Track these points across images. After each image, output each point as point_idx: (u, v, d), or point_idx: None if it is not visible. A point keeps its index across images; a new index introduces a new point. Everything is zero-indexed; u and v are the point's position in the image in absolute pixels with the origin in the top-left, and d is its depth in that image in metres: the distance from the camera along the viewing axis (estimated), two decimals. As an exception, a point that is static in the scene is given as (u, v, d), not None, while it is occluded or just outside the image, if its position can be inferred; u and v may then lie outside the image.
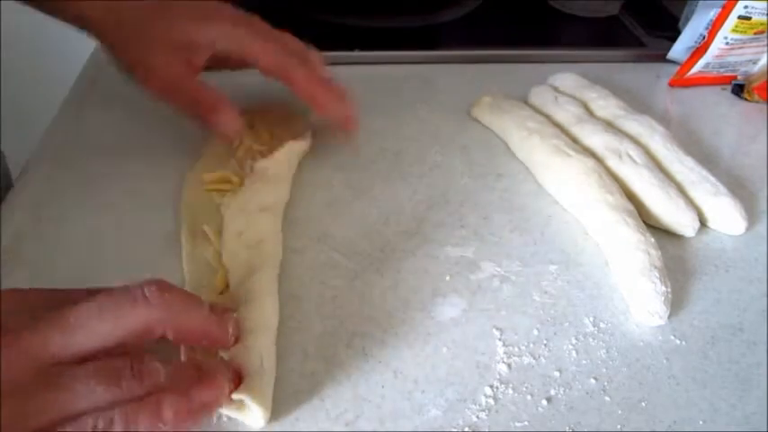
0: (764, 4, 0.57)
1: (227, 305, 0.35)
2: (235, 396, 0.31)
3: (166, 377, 0.28)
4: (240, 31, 0.44)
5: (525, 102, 0.58)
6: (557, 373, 0.36)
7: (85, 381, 0.26)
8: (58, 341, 0.26)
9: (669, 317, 0.39)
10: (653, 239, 0.42)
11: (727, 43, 0.60)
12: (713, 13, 0.61)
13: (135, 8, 0.45)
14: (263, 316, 0.36)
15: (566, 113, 0.54)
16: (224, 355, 0.34)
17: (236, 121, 0.45)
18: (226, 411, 0.33)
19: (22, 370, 0.25)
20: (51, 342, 0.26)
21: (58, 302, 0.28)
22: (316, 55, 0.48)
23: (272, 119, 0.52)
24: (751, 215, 0.47)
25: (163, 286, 0.29)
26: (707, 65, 0.62)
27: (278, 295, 0.38)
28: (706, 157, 0.52)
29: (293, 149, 0.48)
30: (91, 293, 0.28)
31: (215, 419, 0.33)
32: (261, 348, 0.34)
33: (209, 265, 0.40)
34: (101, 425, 0.26)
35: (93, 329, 0.27)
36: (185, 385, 0.28)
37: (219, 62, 0.45)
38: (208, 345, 0.31)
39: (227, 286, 0.38)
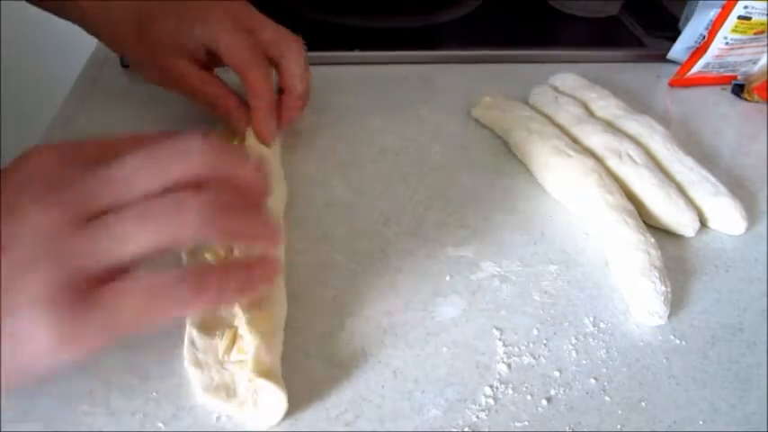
0: (764, 4, 0.57)
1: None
2: (261, 381, 0.32)
3: (223, 209, 0.28)
4: (220, 24, 0.46)
5: (525, 102, 0.58)
6: (557, 373, 0.36)
7: (130, 225, 0.26)
8: (105, 195, 0.27)
9: (669, 317, 0.39)
10: (653, 239, 0.42)
11: (727, 43, 0.60)
12: (713, 13, 0.61)
13: (132, 9, 0.47)
14: (277, 317, 0.36)
15: (566, 114, 0.54)
16: (243, 356, 0.34)
17: (242, 111, 0.47)
18: (238, 412, 0.33)
19: (69, 225, 0.26)
20: (100, 196, 0.26)
21: (111, 153, 0.28)
22: (295, 48, 0.48)
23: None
24: (751, 215, 0.47)
25: (210, 140, 0.29)
26: (707, 65, 0.62)
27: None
28: (706, 157, 0.52)
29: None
30: (140, 141, 0.29)
31: (215, 419, 0.33)
32: (276, 348, 0.34)
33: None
34: (170, 279, 0.27)
35: (138, 183, 0.27)
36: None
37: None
38: (249, 195, 0.30)
39: None
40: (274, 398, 0.32)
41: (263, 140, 0.47)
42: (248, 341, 0.34)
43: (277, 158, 0.48)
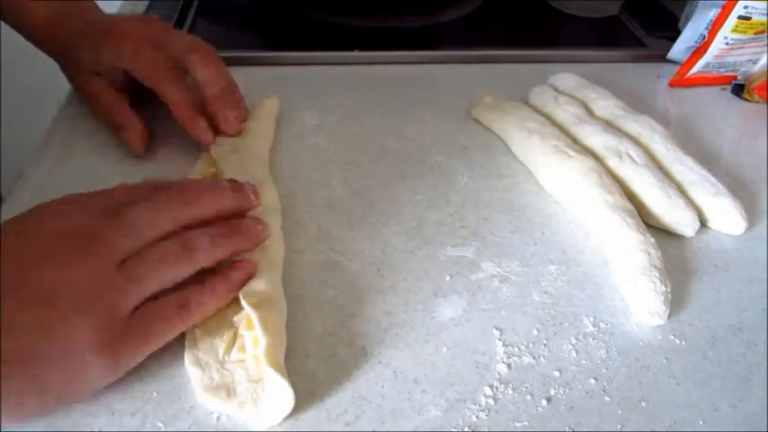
0: (764, 4, 0.57)
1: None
2: (274, 375, 0.33)
3: (220, 238, 0.36)
4: (124, 48, 0.49)
5: (525, 102, 0.58)
6: (557, 373, 0.36)
7: (151, 267, 0.33)
8: (128, 243, 0.33)
9: (669, 317, 0.39)
10: (653, 239, 0.42)
11: (727, 43, 0.60)
12: (713, 13, 0.61)
13: (61, 40, 0.52)
14: (281, 319, 0.36)
15: (566, 114, 0.54)
16: (243, 356, 0.34)
17: (143, 136, 0.50)
18: (238, 412, 0.33)
19: (105, 274, 0.32)
20: (123, 244, 0.33)
21: (123, 200, 0.36)
22: (197, 58, 0.49)
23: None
24: (751, 215, 0.47)
25: (201, 184, 0.40)
26: (707, 65, 0.62)
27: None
28: (706, 157, 0.52)
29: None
30: (145, 193, 0.37)
31: (215, 419, 0.33)
32: (280, 348, 0.34)
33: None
34: (180, 302, 0.34)
35: (151, 231, 0.34)
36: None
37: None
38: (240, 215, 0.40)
39: None
40: (283, 393, 0.32)
41: (202, 143, 0.48)
42: (261, 336, 0.34)
43: (262, 160, 0.49)
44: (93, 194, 0.36)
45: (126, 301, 0.32)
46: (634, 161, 0.48)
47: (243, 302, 0.35)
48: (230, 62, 0.51)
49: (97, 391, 0.33)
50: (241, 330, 0.35)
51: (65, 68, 0.54)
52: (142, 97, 0.51)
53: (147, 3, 0.72)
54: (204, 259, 0.35)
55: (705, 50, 0.61)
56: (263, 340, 0.34)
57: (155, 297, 0.34)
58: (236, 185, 0.40)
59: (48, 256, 0.31)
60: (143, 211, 0.35)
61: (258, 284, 0.36)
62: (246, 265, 0.37)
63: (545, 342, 0.38)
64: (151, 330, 0.33)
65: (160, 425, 0.33)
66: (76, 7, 0.54)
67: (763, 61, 0.63)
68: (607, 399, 0.35)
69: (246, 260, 0.37)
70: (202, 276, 0.36)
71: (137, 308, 0.33)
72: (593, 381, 0.36)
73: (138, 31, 0.50)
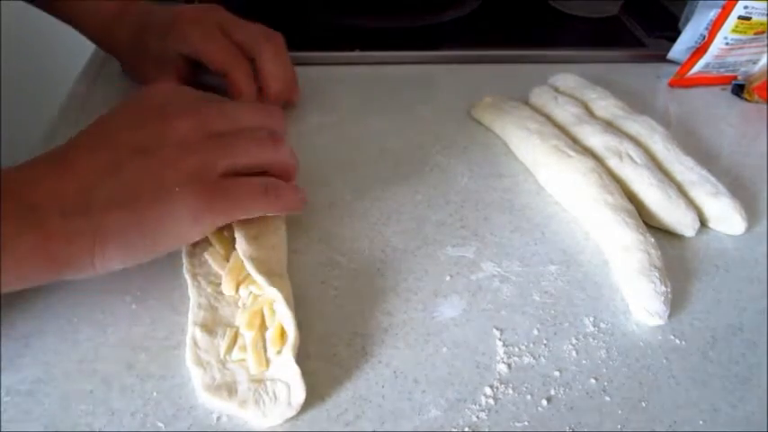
0: (764, 4, 0.57)
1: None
2: (295, 369, 0.33)
3: (290, 151, 0.40)
4: (194, 34, 0.50)
5: (525, 102, 0.58)
6: (557, 373, 0.36)
7: (243, 142, 0.37)
8: (222, 122, 0.38)
9: (669, 317, 0.39)
10: (653, 239, 0.43)
11: (727, 43, 0.60)
12: (713, 14, 0.61)
13: (126, 31, 0.53)
14: (287, 321, 0.36)
15: (566, 114, 0.54)
16: (243, 356, 0.35)
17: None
18: (239, 411, 0.33)
19: (202, 134, 0.36)
20: (218, 122, 0.37)
21: (216, 98, 0.40)
22: (269, 47, 0.51)
23: None
24: (751, 215, 0.47)
25: (277, 107, 0.44)
26: (707, 65, 0.62)
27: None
28: (706, 157, 0.52)
29: None
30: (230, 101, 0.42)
31: (215, 419, 0.33)
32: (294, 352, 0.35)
33: (210, 266, 0.40)
34: (266, 183, 0.38)
35: (243, 118, 0.39)
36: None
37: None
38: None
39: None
40: (297, 393, 0.33)
41: None
42: (291, 330, 0.35)
43: None
44: (194, 89, 0.40)
45: (218, 160, 0.36)
46: (634, 161, 0.48)
47: (269, 288, 0.35)
48: (230, 62, 0.51)
49: (185, 243, 0.38)
50: (243, 330, 0.36)
51: (128, 65, 0.55)
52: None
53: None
54: (286, 154, 0.39)
55: (705, 50, 0.61)
56: (292, 335, 0.34)
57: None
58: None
59: (150, 116, 0.36)
60: (238, 104, 0.40)
61: (275, 282, 0.36)
62: (303, 195, 0.41)
63: (545, 342, 0.38)
64: (238, 198, 0.36)
65: (160, 425, 0.33)
66: (139, 2, 0.54)
67: (763, 61, 0.63)
68: (607, 399, 0.35)
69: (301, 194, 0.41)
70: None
71: (228, 178, 0.36)
72: (593, 381, 0.36)
73: (205, 17, 0.51)
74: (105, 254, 0.33)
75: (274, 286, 0.36)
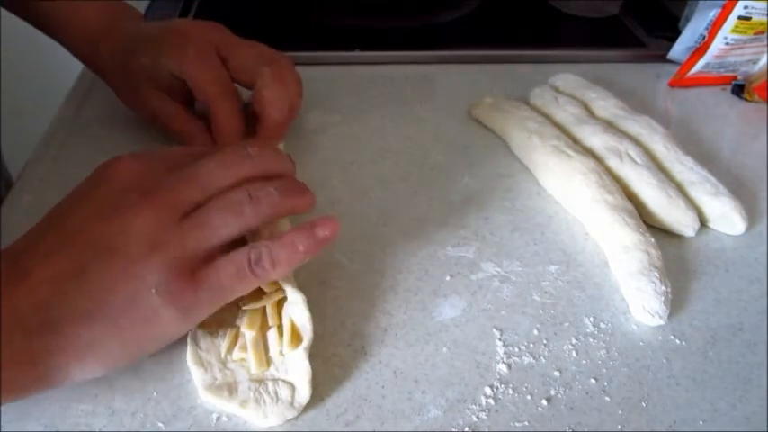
0: (764, 4, 0.57)
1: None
2: (306, 365, 0.34)
3: (281, 193, 0.35)
4: (186, 55, 0.45)
5: (525, 102, 0.58)
6: (557, 373, 0.36)
7: (216, 215, 0.32)
8: (192, 194, 0.33)
9: (669, 317, 0.39)
10: (653, 239, 0.43)
11: (727, 43, 0.60)
12: (713, 14, 0.61)
13: (114, 44, 0.49)
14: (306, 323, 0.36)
15: (566, 114, 0.54)
16: (244, 355, 0.35)
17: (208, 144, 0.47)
18: (239, 411, 0.33)
19: (170, 221, 0.32)
20: (188, 195, 0.33)
21: (184, 159, 0.35)
22: (269, 72, 0.46)
23: None
24: (751, 215, 0.47)
25: (260, 145, 0.37)
26: (707, 65, 0.62)
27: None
28: (706, 157, 0.52)
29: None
30: (205, 152, 0.36)
31: (215, 419, 0.33)
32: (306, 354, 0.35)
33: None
34: (252, 256, 0.32)
35: (215, 180, 0.34)
36: (297, 201, 0.36)
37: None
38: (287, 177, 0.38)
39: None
40: (303, 393, 0.33)
41: None
42: (307, 328, 0.35)
43: None
44: (154, 153, 0.36)
45: (193, 248, 0.32)
46: (634, 161, 0.48)
47: (291, 290, 0.35)
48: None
49: (169, 342, 0.33)
50: (243, 330, 0.35)
51: (118, 87, 0.50)
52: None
53: (147, 3, 0.72)
54: (271, 210, 0.34)
55: (705, 51, 0.61)
56: (308, 337, 0.34)
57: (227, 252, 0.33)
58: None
59: (111, 208, 0.32)
60: (207, 164, 0.34)
61: (282, 282, 0.37)
62: (332, 223, 0.34)
63: (545, 342, 0.38)
64: (223, 283, 0.32)
65: (160, 425, 0.33)
66: (128, 15, 0.52)
67: (763, 61, 0.63)
68: (607, 399, 0.35)
69: (332, 216, 0.35)
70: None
71: (208, 261, 0.32)
72: (593, 381, 0.36)
73: (201, 36, 0.47)
74: (84, 368, 0.30)
75: (285, 286, 0.36)
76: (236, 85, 0.47)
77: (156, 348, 0.32)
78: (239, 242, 0.34)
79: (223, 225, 0.33)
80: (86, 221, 0.31)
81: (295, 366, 0.34)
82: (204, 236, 0.32)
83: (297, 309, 0.35)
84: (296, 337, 0.35)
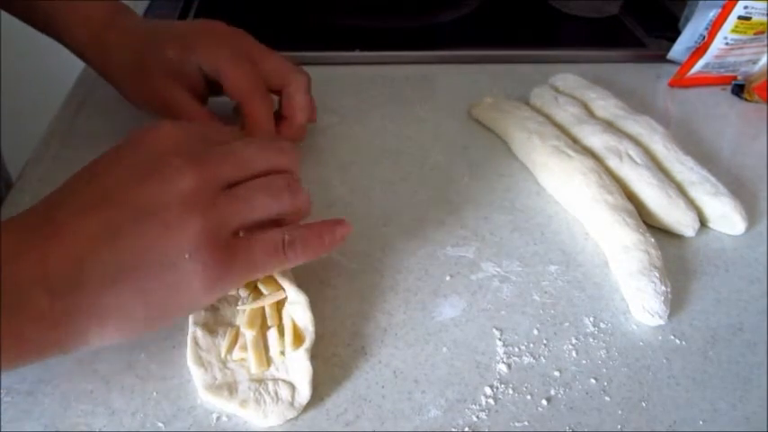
0: (764, 4, 0.57)
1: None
2: (308, 365, 0.34)
3: (307, 197, 0.36)
4: (221, 53, 0.46)
5: (525, 102, 0.58)
6: (557, 373, 0.36)
7: (258, 194, 0.33)
8: (232, 171, 0.33)
9: (669, 317, 0.39)
10: (653, 239, 0.43)
11: (726, 43, 0.60)
12: (713, 14, 0.61)
13: (129, 45, 0.48)
14: (308, 324, 0.36)
15: (566, 114, 0.54)
16: (244, 355, 0.35)
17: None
18: (239, 411, 0.33)
19: (210, 190, 0.31)
20: (228, 171, 0.33)
21: (223, 137, 0.35)
22: (301, 78, 0.48)
23: None
24: (751, 215, 0.47)
25: (290, 144, 0.38)
26: (707, 65, 0.62)
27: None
28: (706, 157, 0.52)
29: None
30: (241, 136, 0.36)
31: (215, 419, 0.33)
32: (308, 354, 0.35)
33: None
34: (287, 237, 0.33)
35: (255, 162, 0.34)
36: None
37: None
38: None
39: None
40: (303, 393, 0.33)
41: None
42: (310, 329, 0.35)
43: None
44: (194, 125, 0.35)
45: (229, 219, 0.32)
46: (634, 161, 0.48)
47: (294, 291, 0.36)
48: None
49: (195, 311, 0.33)
50: (243, 329, 0.35)
51: (128, 81, 0.49)
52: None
53: (147, 3, 0.72)
54: (302, 202, 0.36)
55: (705, 51, 0.61)
56: (310, 338, 0.35)
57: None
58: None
59: (152, 170, 0.31)
60: (249, 146, 0.34)
61: (284, 283, 0.37)
62: (346, 224, 0.36)
63: (545, 342, 0.38)
64: (254, 257, 0.32)
65: (160, 425, 0.33)
66: (129, 12, 0.51)
67: (763, 61, 0.63)
68: (607, 399, 0.35)
69: (344, 219, 0.37)
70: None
71: (239, 236, 0.32)
72: (593, 381, 0.36)
73: (236, 39, 0.48)
74: (104, 333, 0.30)
75: (288, 287, 0.36)
76: None
77: (179, 316, 0.32)
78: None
79: (262, 205, 0.33)
80: (126, 181, 0.31)
81: (296, 367, 0.34)
82: (243, 210, 0.32)
83: (299, 309, 0.36)
84: (297, 338, 0.35)
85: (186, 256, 0.30)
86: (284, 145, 0.37)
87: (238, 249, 0.32)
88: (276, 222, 0.35)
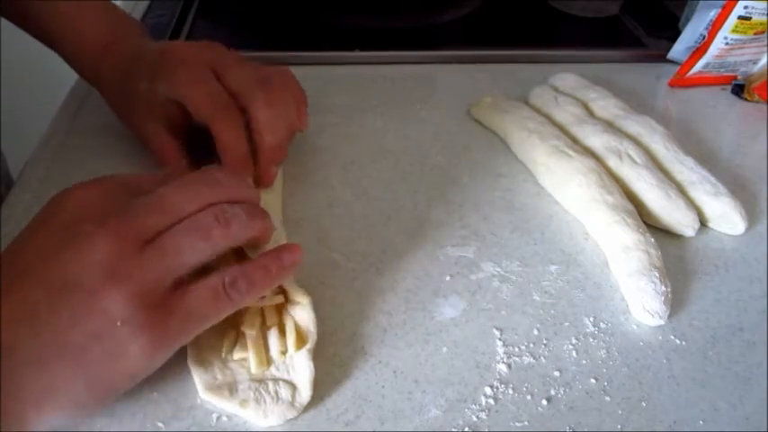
0: (764, 4, 0.57)
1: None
2: (310, 365, 0.34)
3: (248, 216, 0.33)
4: (179, 77, 0.44)
5: (525, 102, 0.58)
6: (557, 373, 0.36)
7: (184, 240, 0.30)
8: (157, 219, 0.31)
9: (669, 317, 0.39)
10: (653, 239, 0.43)
11: (727, 43, 0.60)
12: (713, 14, 0.61)
13: (113, 70, 0.48)
14: (311, 325, 0.36)
15: (566, 114, 0.54)
16: (244, 355, 0.35)
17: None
18: (239, 411, 0.33)
19: (131, 250, 0.29)
20: (152, 221, 0.30)
21: (148, 185, 0.33)
22: (262, 96, 0.44)
23: None
24: (751, 215, 0.47)
25: (225, 172, 0.35)
26: (707, 65, 0.62)
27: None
28: (706, 157, 0.52)
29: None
30: (170, 178, 0.34)
31: (215, 419, 0.33)
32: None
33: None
34: (227, 279, 0.31)
35: (182, 204, 0.32)
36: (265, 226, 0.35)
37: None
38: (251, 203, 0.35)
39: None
40: (304, 393, 0.33)
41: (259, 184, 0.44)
42: (312, 329, 0.35)
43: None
44: (113, 178, 0.33)
45: (158, 277, 0.30)
46: (634, 161, 0.48)
47: (297, 292, 0.36)
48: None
49: (141, 378, 0.31)
50: (244, 329, 0.35)
51: (117, 109, 0.49)
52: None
53: (147, 3, 0.72)
54: (241, 232, 0.32)
55: (705, 50, 0.61)
56: (313, 336, 0.35)
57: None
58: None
59: (63, 240, 0.29)
60: (169, 189, 0.32)
61: (287, 284, 0.37)
62: (296, 248, 0.34)
63: (545, 342, 0.38)
64: (195, 309, 0.30)
65: (160, 425, 0.33)
66: (130, 30, 0.50)
67: (763, 61, 0.63)
68: (607, 399, 0.35)
69: (295, 244, 0.35)
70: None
71: (178, 288, 0.30)
72: (593, 381, 0.36)
73: (195, 57, 0.45)
74: (42, 414, 0.28)
75: (291, 288, 0.36)
76: None
77: (127, 386, 0.31)
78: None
79: (191, 250, 0.30)
80: (37, 258, 0.29)
81: (298, 367, 0.34)
82: (170, 263, 0.30)
83: (302, 311, 0.36)
84: (299, 339, 0.35)
85: (118, 323, 0.28)
86: (218, 176, 0.34)
87: (175, 305, 0.30)
88: (240, 251, 0.34)
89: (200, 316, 0.31)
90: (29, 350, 0.28)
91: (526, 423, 0.34)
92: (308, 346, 0.35)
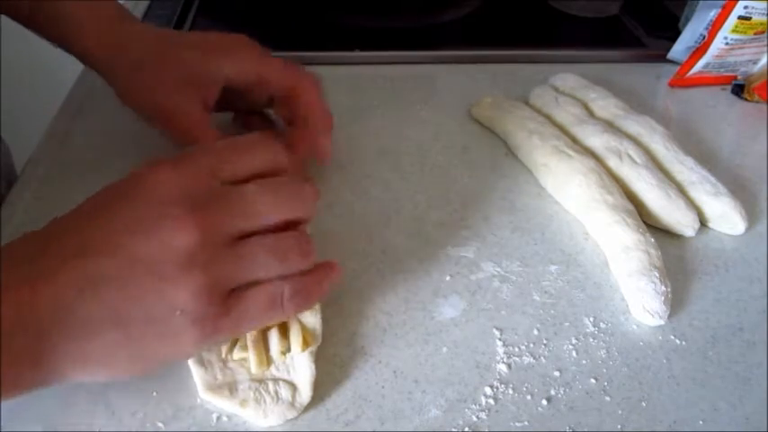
0: (764, 4, 0.57)
1: None
2: (312, 366, 0.34)
3: (314, 252, 0.33)
4: (252, 55, 0.47)
5: (525, 102, 0.58)
6: (557, 373, 0.36)
7: (263, 256, 0.31)
8: (240, 222, 0.31)
9: (669, 317, 0.39)
10: (653, 239, 0.43)
11: (727, 43, 0.60)
12: (713, 14, 0.61)
13: (143, 44, 0.47)
14: (317, 327, 0.36)
15: (566, 114, 0.54)
16: (244, 355, 0.35)
17: None
18: (239, 411, 0.33)
19: (213, 245, 0.30)
20: (235, 223, 0.31)
21: (227, 160, 0.32)
22: (312, 79, 0.48)
23: None
24: (751, 215, 0.47)
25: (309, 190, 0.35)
26: (707, 65, 0.62)
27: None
28: (706, 157, 0.52)
29: None
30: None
31: (215, 419, 0.33)
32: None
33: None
34: (287, 290, 0.32)
35: (266, 214, 0.32)
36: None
37: (231, 98, 0.47)
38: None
39: None
40: (305, 394, 0.33)
41: (322, 158, 0.47)
42: (318, 330, 0.35)
43: None
44: (192, 158, 0.32)
45: (229, 278, 0.30)
46: (634, 161, 0.48)
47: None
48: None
49: (187, 355, 0.32)
50: (309, 319, 0.36)
51: (136, 86, 0.46)
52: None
53: (147, 3, 0.72)
54: (309, 262, 0.33)
55: (705, 50, 0.61)
56: (319, 338, 0.35)
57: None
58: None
59: (151, 221, 0.29)
60: (262, 193, 0.32)
61: None
62: (338, 266, 0.35)
63: (545, 342, 0.38)
64: (251, 313, 0.31)
65: (160, 425, 0.33)
66: (133, 18, 0.50)
67: (763, 61, 0.63)
68: (607, 399, 0.35)
69: (335, 261, 0.35)
70: None
71: (236, 289, 0.31)
72: (593, 381, 0.36)
73: (245, 39, 0.48)
74: (84, 375, 0.30)
75: None
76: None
77: (165, 366, 0.31)
78: None
79: (264, 266, 0.31)
80: (124, 231, 0.29)
81: (299, 368, 0.34)
82: (245, 270, 0.31)
83: (310, 313, 0.36)
84: (305, 340, 0.35)
85: (178, 312, 0.29)
86: (306, 190, 0.34)
87: (234, 305, 0.30)
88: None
89: (252, 320, 0.32)
90: (86, 313, 0.28)
91: (526, 423, 0.34)
92: (312, 348, 0.35)
